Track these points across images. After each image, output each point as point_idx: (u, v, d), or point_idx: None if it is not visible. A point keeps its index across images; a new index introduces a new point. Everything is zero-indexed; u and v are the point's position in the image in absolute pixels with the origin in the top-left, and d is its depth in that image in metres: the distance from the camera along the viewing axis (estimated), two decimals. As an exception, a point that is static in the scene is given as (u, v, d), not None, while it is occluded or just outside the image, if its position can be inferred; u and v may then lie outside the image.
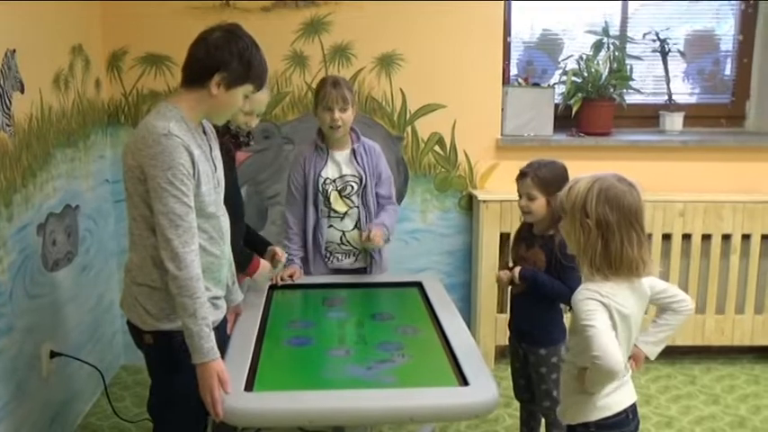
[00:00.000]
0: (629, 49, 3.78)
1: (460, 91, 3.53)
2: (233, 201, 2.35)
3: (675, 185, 3.57)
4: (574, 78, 3.69)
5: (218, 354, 1.89)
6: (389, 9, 3.44)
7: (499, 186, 3.58)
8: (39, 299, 2.67)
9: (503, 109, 3.60)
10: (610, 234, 1.77)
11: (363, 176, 2.81)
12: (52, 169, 2.80)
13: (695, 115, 3.86)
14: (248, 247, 2.64)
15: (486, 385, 1.87)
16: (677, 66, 3.90)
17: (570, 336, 1.90)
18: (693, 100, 3.98)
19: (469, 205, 3.64)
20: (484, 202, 3.46)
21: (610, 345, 1.70)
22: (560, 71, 3.80)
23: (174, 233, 1.83)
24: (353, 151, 2.83)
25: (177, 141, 1.83)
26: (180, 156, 1.83)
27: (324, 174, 2.81)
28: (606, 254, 1.78)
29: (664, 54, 3.75)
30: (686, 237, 3.53)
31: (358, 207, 2.83)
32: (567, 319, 2.50)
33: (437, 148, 3.59)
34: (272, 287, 2.71)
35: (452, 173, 3.62)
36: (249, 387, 1.89)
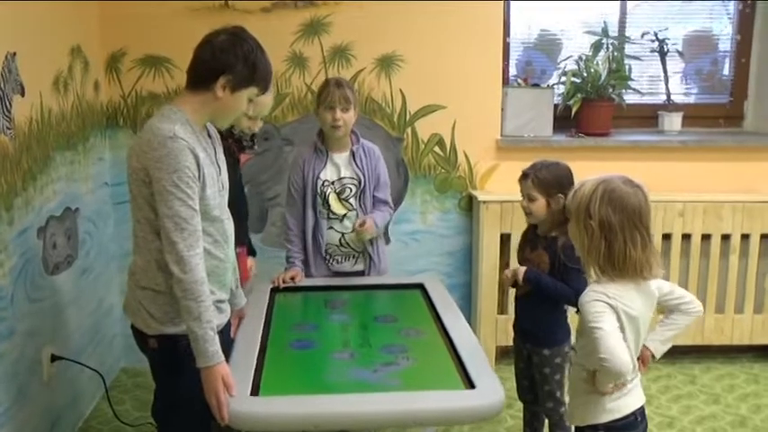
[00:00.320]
0: (627, 49, 3.78)
1: (460, 92, 3.53)
2: (237, 201, 2.35)
3: (675, 185, 3.58)
4: (573, 79, 3.69)
5: (223, 357, 1.88)
6: (389, 10, 3.43)
7: (499, 187, 3.58)
8: (39, 302, 2.66)
9: (503, 109, 3.60)
10: (612, 235, 1.77)
11: (362, 179, 2.81)
12: (52, 172, 2.78)
13: (694, 115, 3.87)
14: None
15: (493, 388, 1.86)
16: (675, 66, 3.90)
17: (578, 338, 1.90)
18: (691, 100, 3.99)
19: (469, 206, 3.64)
20: (484, 202, 3.46)
21: (617, 347, 1.70)
22: (559, 71, 3.81)
23: (179, 236, 1.82)
24: (353, 153, 2.82)
25: (183, 144, 1.82)
26: (185, 158, 1.82)
27: (323, 176, 2.80)
28: (610, 255, 1.78)
29: (662, 54, 3.76)
30: (686, 237, 3.53)
31: (356, 210, 2.82)
32: (571, 320, 2.50)
33: (437, 149, 3.59)
34: (274, 290, 2.71)
35: (452, 174, 3.62)
36: (255, 391, 1.89)
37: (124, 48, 3.40)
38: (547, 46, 3.90)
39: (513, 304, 2.66)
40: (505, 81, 3.71)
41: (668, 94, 3.82)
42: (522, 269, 2.47)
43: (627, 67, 3.73)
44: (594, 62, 3.69)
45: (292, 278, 2.76)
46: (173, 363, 1.97)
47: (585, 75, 3.69)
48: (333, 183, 2.81)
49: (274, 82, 3.39)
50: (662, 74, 3.79)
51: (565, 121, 3.70)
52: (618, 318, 1.76)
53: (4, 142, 2.40)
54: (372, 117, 3.52)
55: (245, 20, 3.26)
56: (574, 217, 1.85)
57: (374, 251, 2.87)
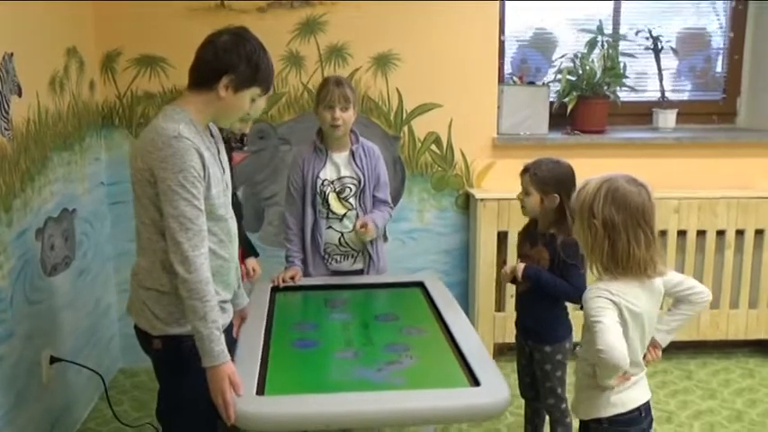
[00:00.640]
0: (621, 46, 3.80)
1: (456, 90, 3.53)
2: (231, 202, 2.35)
3: (670, 182, 3.60)
4: (568, 77, 3.70)
5: (229, 356, 1.87)
6: (385, 9, 3.43)
7: (496, 185, 3.59)
8: (38, 304, 2.64)
9: (498, 108, 3.61)
10: (616, 234, 1.78)
11: (362, 178, 2.81)
12: (49, 173, 2.77)
13: (687, 112, 3.90)
14: None
15: (498, 385, 1.87)
16: (669, 63, 3.92)
17: (583, 333, 1.91)
18: (685, 97, 4.01)
19: (466, 204, 3.65)
20: (481, 200, 3.47)
21: (615, 341, 1.71)
22: (554, 69, 3.82)
23: (185, 236, 1.82)
24: (352, 153, 2.82)
25: (188, 144, 1.82)
26: (191, 158, 1.82)
27: (322, 175, 2.80)
28: (613, 254, 1.79)
29: (656, 52, 3.78)
30: (681, 233, 3.56)
31: (356, 209, 2.82)
32: (572, 317, 2.52)
33: (434, 147, 3.59)
34: (275, 289, 2.70)
35: (449, 172, 3.63)
36: (260, 391, 1.88)
37: (119, 47, 3.39)
38: (541, 44, 3.92)
39: (514, 301, 2.67)
40: (501, 79, 3.72)
41: (662, 92, 3.84)
42: (522, 266, 2.47)
43: (621, 64, 3.75)
44: (589, 60, 3.71)
45: (292, 277, 2.75)
46: (177, 363, 1.96)
47: (581, 72, 3.71)
48: (332, 182, 2.80)
49: (271, 81, 3.41)
50: (656, 71, 3.82)
51: (560, 118, 3.72)
52: (620, 314, 1.77)
53: (3, 143, 2.38)
54: (369, 116, 3.52)
55: (240, 19, 3.25)
56: (578, 216, 1.86)
57: (373, 250, 2.87)
